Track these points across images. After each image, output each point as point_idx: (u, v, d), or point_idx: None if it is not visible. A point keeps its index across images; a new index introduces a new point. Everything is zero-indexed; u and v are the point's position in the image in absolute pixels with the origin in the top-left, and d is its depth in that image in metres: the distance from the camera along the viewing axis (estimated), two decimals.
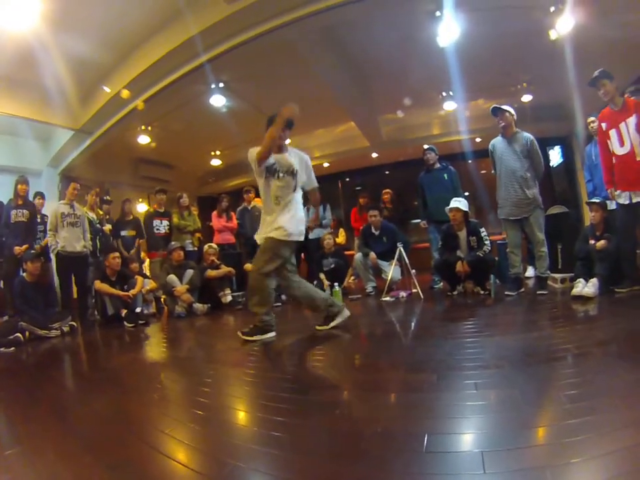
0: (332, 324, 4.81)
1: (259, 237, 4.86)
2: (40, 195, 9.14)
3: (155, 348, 5.69)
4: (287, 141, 4.99)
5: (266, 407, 2.66)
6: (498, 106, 6.14)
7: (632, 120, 5.11)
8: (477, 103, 11.32)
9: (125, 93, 8.51)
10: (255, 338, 4.68)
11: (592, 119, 7.00)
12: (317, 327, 4.83)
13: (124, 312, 7.13)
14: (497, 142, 6.29)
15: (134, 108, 9.12)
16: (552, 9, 7.79)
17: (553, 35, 8.18)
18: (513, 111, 6.13)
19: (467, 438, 2.04)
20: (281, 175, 4.74)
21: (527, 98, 11.66)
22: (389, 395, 2.73)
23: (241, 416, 2.65)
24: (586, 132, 7.30)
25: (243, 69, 9.22)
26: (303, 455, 2.00)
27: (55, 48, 7.45)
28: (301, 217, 4.92)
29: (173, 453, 2.12)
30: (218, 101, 9.90)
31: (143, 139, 11.51)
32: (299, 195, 4.89)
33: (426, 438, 1.98)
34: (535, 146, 6.01)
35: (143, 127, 11.13)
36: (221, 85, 9.58)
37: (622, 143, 5.24)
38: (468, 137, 12.63)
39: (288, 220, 4.71)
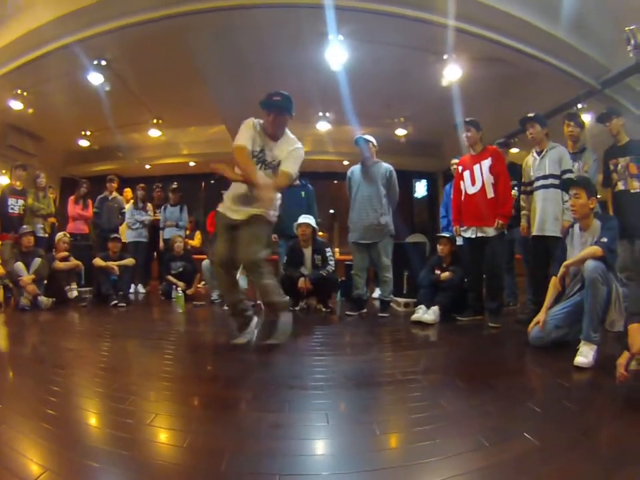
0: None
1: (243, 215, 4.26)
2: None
3: None
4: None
5: (113, 421, 2.48)
6: (362, 136, 6.34)
7: (486, 162, 5.51)
8: (351, 128, 11.54)
9: None
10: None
11: (455, 161, 7.40)
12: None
13: None
14: (356, 169, 6.49)
15: None
16: (445, 56, 8.23)
17: (443, 81, 8.66)
18: (375, 142, 6.37)
19: (268, 460, 2.01)
20: (265, 168, 4.30)
21: (401, 132, 12.28)
22: (202, 409, 2.70)
23: (90, 431, 2.42)
24: (448, 172, 7.71)
25: (128, 52, 8.85)
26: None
27: None
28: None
29: (17, 469, 1.90)
30: (96, 78, 9.34)
31: (16, 104, 10.62)
32: None
33: (226, 457, 1.98)
34: (393, 177, 6.28)
35: (19, 91, 10.29)
36: (103, 62, 9.13)
37: (473, 182, 5.61)
38: (337, 158, 12.95)
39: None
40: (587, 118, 8.48)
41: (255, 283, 4.43)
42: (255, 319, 4.54)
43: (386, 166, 6.31)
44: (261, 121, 4.29)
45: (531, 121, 5.42)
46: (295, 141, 4.41)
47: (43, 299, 6.96)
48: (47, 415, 2.48)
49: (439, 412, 2.57)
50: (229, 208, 4.36)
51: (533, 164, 5.47)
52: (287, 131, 4.41)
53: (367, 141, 6.29)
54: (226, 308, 4.51)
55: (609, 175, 5.73)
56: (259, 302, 6.68)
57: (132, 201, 9.54)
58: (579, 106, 8.98)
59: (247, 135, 4.20)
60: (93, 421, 2.55)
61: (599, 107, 7.81)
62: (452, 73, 8.57)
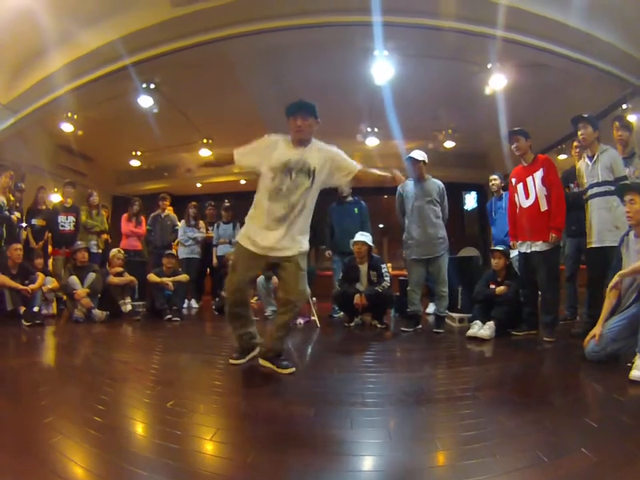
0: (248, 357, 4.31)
1: (289, 252, 3.92)
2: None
3: (50, 353, 5.43)
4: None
5: (161, 432, 2.54)
6: (413, 156, 6.22)
7: (538, 173, 5.37)
8: (399, 142, 11.55)
9: None
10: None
11: (494, 177, 7.33)
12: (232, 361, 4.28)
13: (22, 309, 6.77)
14: (408, 185, 6.37)
15: None
16: (489, 65, 8.23)
17: (487, 90, 8.61)
18: (426, 159, 6.27)
19: (334, 476, 2.04)
20: (294, 174, 3.89)
21: (449, 144, 12.22)
22: (264, 424, 2.68)
23: (138, 440, 2.51)
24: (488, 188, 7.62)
25: (176, 74, 9.11)
26: None
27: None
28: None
29: (66, 474, 1.98)
30: (145, 101, 9.65)
31: (67, 127, 10.95)
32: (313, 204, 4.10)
33: (291, 473, 2.00)
34: (445, 193, 6.28)
35: (69, 114, 10.63)
36: (152, 85, 9.39)
37: (527, 196, 5.49)
38: (386, 173, 12.95)
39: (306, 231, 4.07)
40: (632, 118, 8.17)
41: (281, 316, 4.07)
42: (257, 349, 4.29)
43: (437, 182, 6.28)
44: (285, 137, 4.06)
45: (583, 121, 5.25)
46: (325, 146, 4.09)
47: (96, 311, 7.17)
48: (100, 425, 2.55)
49: (496, 428, 2.54)
50: (258, 244, 3.93)
51: (586, 170, 5.34)
52: (315, 140, 4.08)
53: (419, 160, 6.19)
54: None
55: None
56: (313, 318, 6.76)
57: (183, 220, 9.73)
58: (624, 106, 8.75)
59: (249, 151, 4.12)
60: (151, 434, 2.61)
61: None
62: (497, 81, 8.55)
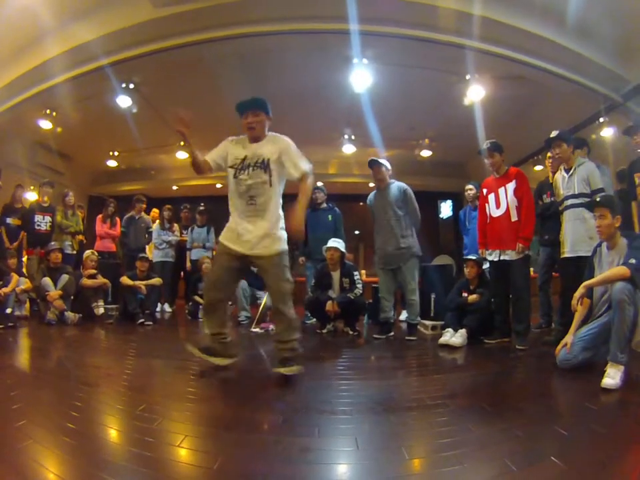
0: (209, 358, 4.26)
1: (264, 251, 3.98)
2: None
3: (22, 356, 5.35)
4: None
5: (132, 439, 2.52)
6: (375, 159, 6.28)
7: (511, 185, 5.47)
8: (376, 150, 11.57)
9: None
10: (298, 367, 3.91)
11: (470, 186, 7.37)
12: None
13: None
14: (373, 196, 6.48)
15: None
16: (467, 77, 8.30)
17: (465, 101, 8.69)
18: (388, 165, 6.30)
19: None
20: (251, 169, 3.96)
21: (426, 153, 12.28)
22: (232, 431, 2.66)
23: (109, 447, 2.46)
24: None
25: (156, 75, 9.06)
26: None
27: None
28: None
29: None
30: (124, 101, 9.56)
31: (45, 124, 10.74)
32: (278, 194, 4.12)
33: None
34: (408, 194, 6.20)
35: (47, 111, 10.48)
36: (131, 86, 9.32)
37: (498, 205, 5.58)
38: (362, 180, 13.01)
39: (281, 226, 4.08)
40: (609, 132, 8.81)
41: (278, 313, 4.19)
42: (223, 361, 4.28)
43: (399, 185, 6.26)
44: (241, 136, 4.16)
45: (556, 140, 5.27)
46: (279, 137, 4.09)
47: (69, 314, 7.15)
48: (72, 431, 2.52)
49: (467, 436, 2.55)
50: (238, 238, 4.03)
51: (562, 182, 5.36)
52: (270, 133, 4.12)
53: (380, 164, 6.23)
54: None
55: (635, 189, 5.69)
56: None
57: (158, 221, 9.67)
58: (601, 120, 9.03)
59: (215, 151, 4.19)
60: (122, 441, 2.58)
61: (621, 120, 7.82)
62: (475, 93, 8.66)
